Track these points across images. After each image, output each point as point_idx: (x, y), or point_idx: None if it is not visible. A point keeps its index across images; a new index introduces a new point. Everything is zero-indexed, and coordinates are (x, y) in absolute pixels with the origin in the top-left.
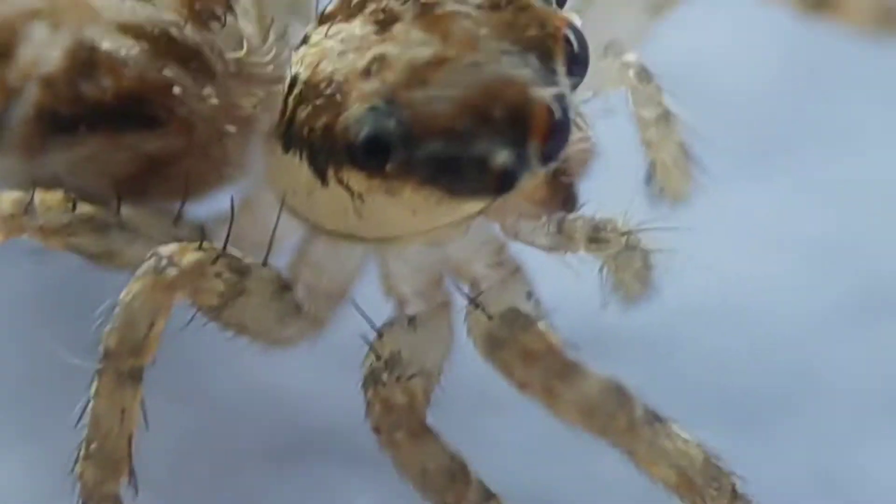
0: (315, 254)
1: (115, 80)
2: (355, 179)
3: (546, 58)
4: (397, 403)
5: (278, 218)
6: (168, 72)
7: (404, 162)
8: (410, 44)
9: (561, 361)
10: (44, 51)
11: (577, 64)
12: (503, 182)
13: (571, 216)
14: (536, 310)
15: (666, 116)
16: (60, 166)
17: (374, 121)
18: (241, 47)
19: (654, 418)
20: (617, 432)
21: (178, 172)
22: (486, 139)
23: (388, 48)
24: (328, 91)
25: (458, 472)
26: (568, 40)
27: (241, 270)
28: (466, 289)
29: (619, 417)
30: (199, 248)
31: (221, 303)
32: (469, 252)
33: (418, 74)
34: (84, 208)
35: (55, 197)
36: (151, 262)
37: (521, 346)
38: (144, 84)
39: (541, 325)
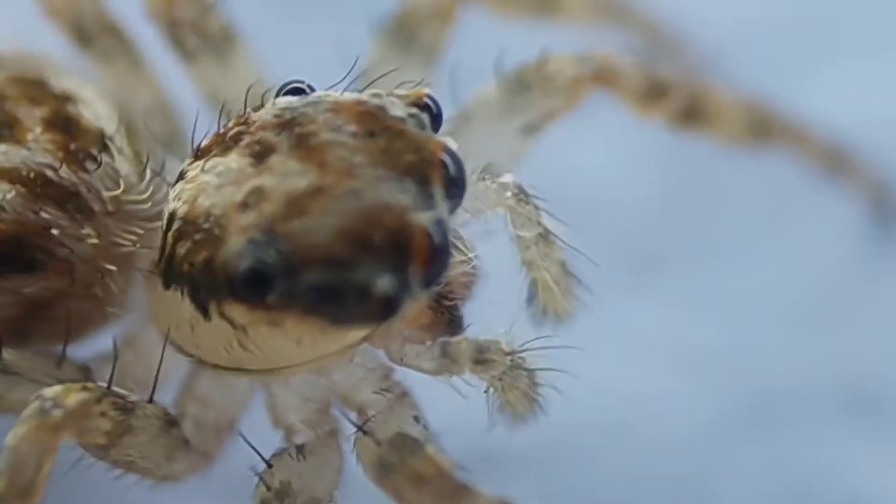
0: (201, 387)
1: None
2: (238, 312)
3: (423, 182)
4: None
5: (163, 354)
6: (45, 214)
7: (286, 292)
8: (287, 175)
9: (451, 484)
10: None
11: (455, 187)
12: (385, 308)
13: (455, 339)
14: (425, 433)
15: (545, 236)
16: None
17: (254, 253)
18: (118, 186)
19: None
20: None
21: (59, 314)
22: (367, 266)
23: (265, 180)
24: (206, 225)
25: None
26: (444, 164)
27: (127, 408)
28: (354, 415)
29: None
30: (84, 388)
31: (108, 441)
32: (355, 379)
33: (296, 205)
34: None
35: None
36: (36, 404)
37: (410, 470)
38: (22, 227)
39: (429, 449)
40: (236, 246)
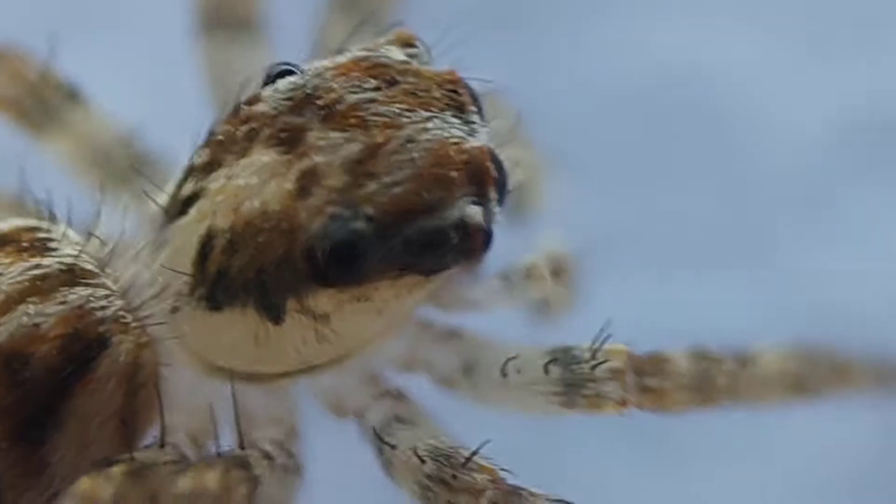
0: (258, 410)
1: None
2: (324, 300)
3: (461, 111)
4: None
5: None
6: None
7: (384, 257)
8: (335, 146)
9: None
10: None
11: (479, 106)
12: (486, 238)
13: (528, 260)
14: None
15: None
16: None
17: (342, 228)
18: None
19: None
20: None
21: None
22: (456, 203)
23: (313, 159)
24: (267, 224)
25: None
26: (467, 90)
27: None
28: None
29: None
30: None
31: None
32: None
33: (360, 170)
34: None
35: None
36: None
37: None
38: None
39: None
40: (319, 228)
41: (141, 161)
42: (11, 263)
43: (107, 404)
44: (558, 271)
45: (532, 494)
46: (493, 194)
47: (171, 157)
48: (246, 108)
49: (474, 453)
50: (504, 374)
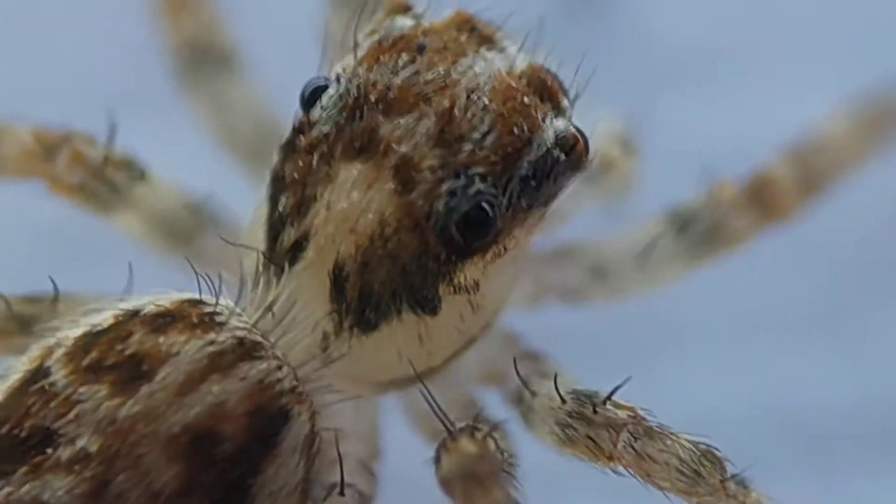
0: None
1: None
2: (471, 269)
3: (489, 42)
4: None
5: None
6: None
7: (513, 199)
8: (410, 130)
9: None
10: None
11: (497, 28)
12: (586, 144)
13: (597, 151)
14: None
15: None
16: None
17: (462, 196)
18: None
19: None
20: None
21: None
22: (543, 125)
23: (399, 151)
24: (390, 229)
25: None
26: (478, 20)
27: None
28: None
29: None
30: None
31: None
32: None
33: (447, 138)
34: None
35: None
36: None
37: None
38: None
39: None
40: (441, 208)
41: (214, 225)
42: (186, 341)
43: (292, 477)
44: (624, 144)
45: (673, 434)
46: (564, 100)
47: (239, 220)
48: (304, 137)
49: (615, 391)
50: (642, 258)
